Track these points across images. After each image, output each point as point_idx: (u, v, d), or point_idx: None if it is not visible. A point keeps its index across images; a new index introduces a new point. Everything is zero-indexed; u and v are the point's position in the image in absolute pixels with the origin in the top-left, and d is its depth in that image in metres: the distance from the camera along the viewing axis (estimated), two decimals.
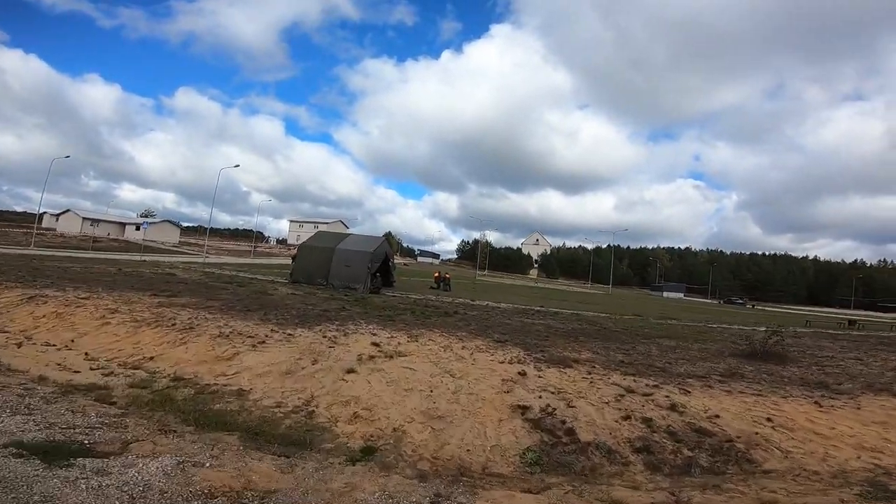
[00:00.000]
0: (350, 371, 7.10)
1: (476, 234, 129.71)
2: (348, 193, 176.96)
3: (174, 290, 13.50)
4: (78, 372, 6.63)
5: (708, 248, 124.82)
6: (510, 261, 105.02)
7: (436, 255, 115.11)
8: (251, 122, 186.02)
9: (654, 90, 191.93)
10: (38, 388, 5.60)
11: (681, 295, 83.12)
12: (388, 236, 24.39)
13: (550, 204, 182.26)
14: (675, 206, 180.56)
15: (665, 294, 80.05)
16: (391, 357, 7.89)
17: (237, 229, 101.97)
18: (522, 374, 7.35)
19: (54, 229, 59.92)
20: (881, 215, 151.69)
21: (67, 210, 64.84)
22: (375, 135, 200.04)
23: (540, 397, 6.45)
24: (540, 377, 7.28)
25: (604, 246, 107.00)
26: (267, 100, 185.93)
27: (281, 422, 5.56)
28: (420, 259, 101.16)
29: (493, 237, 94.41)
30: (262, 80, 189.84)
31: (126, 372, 6.83)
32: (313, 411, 5.92)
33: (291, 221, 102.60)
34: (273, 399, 6.18)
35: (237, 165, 62.87)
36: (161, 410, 5.42)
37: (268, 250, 71.33)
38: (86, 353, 7.57)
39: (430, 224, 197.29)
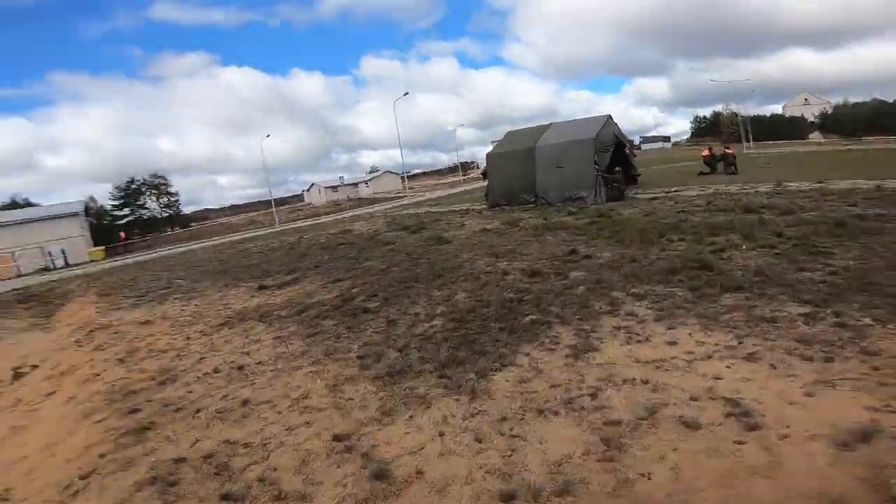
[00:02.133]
0: None
1: (701, 112, 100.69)
2: (539, 105, 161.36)
3: (304, 267, 9.01)
4: None
5: None
6: (777, 127, 75.89)
7: (666, 139, 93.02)
8: (428, 67, 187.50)
9: None
10: None
11: None
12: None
13: (799, 64, 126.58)
14: None
15: None
16: None
17: (454, 165, 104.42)
18: None
19: (310, 203, 70.36)
20: None
21: (312, 185, 75.01)
22: (542, 42, 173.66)
23: None
24: None
25: None
26: (432, 43, 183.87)
27: None
28: (645, 146, 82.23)
29: (735, 107, 67.96)
30: (420, 26, 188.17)
31: None
32: None
33: (492, 142, 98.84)
34: None
35: (406, 94, 61.90)
36: None
37: (477, 175, 70.47)
38: None
39: (640, 112, 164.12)
